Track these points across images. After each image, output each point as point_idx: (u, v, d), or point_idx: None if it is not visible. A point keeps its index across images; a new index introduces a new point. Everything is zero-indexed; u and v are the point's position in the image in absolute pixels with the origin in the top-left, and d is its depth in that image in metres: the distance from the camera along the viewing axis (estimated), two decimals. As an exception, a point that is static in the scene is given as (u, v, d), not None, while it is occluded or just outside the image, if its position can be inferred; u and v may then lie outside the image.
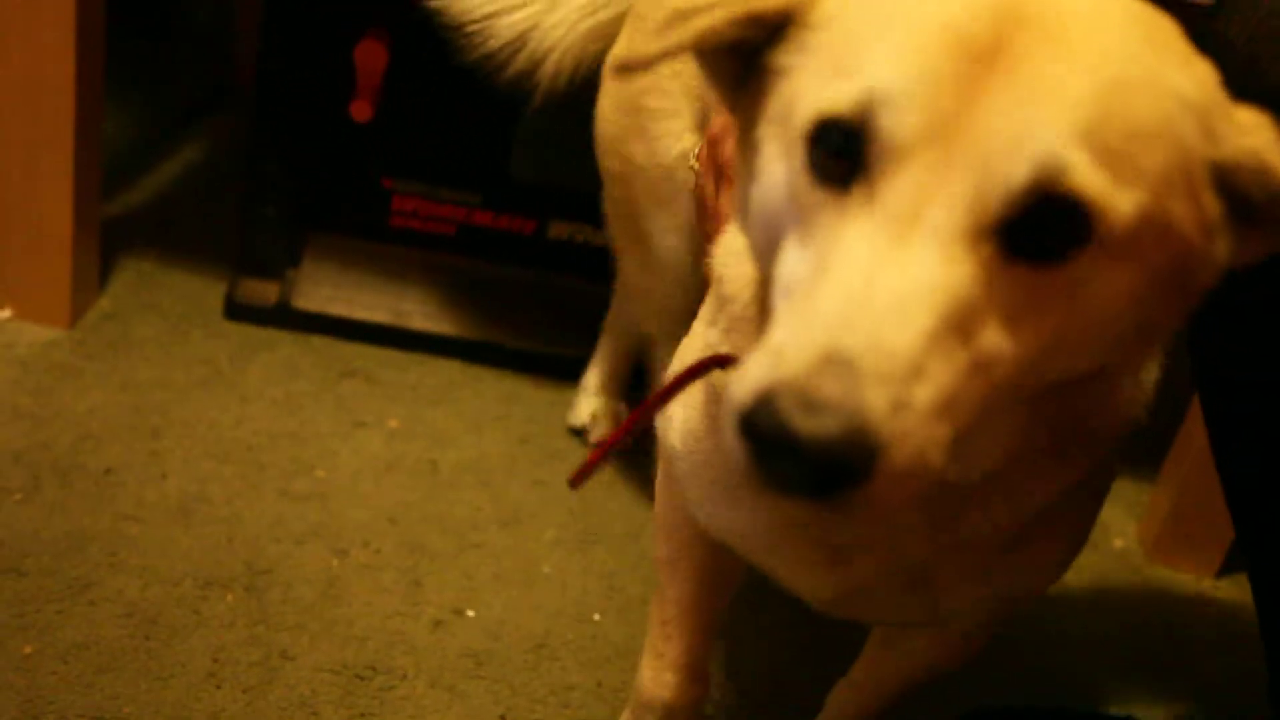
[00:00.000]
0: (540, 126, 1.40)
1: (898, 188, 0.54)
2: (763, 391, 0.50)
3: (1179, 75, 0.58)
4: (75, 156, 1.30)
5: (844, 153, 0.55)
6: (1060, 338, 0.57)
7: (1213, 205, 0.59)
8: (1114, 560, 1.37)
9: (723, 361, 0.74)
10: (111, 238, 1.47)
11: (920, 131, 0.54)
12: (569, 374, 1.43)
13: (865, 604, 0.81)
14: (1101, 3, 0.59)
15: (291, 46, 1.40)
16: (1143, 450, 1.44)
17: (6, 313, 1.37)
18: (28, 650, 1.06)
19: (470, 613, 1.17)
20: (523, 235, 1.49)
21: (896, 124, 0.54)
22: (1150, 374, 0.72)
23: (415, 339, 1.46)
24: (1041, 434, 0.67)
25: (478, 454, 1.35)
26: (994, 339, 0.54)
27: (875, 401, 0.50)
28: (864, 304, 0.52)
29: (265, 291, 1.45)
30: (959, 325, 0.53)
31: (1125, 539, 1.39)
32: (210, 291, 1.47)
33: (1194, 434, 1.30)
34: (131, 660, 1.07)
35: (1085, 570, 1.34)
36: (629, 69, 0.65)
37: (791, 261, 0.57)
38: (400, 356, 1.45)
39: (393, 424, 1.36)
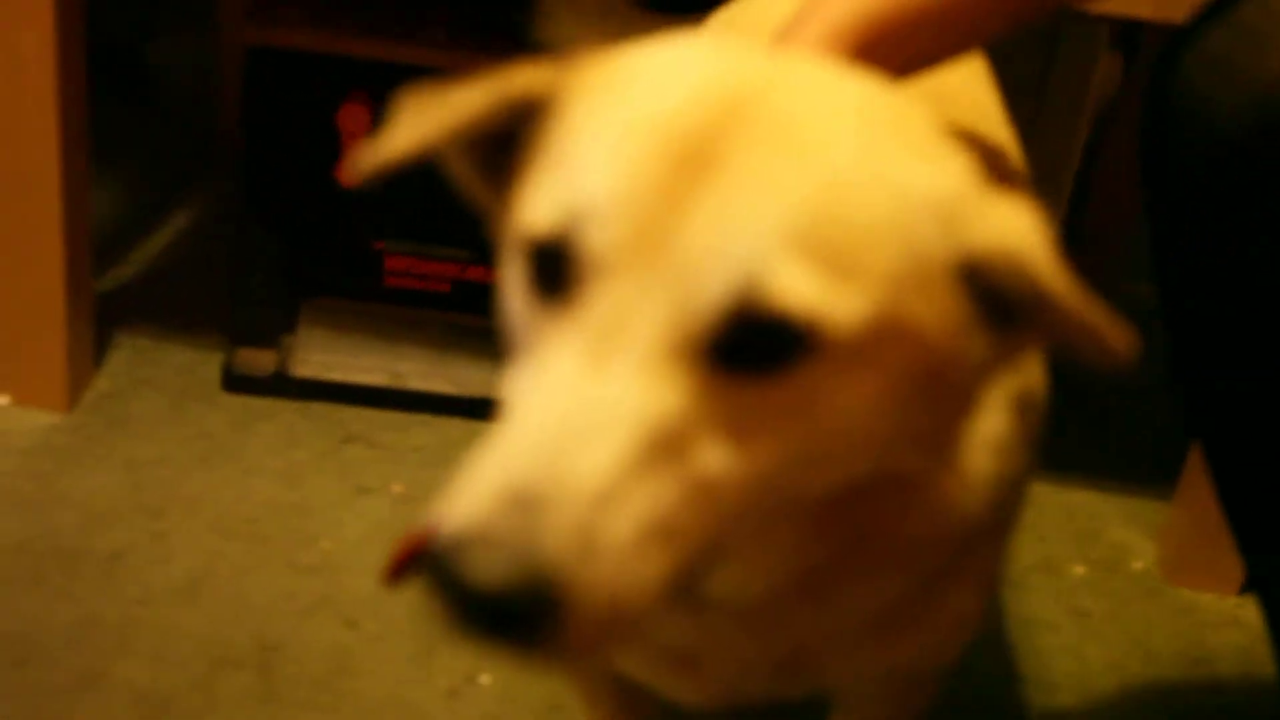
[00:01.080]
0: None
1: (599, 306, 0.51)
2: (440, 537, 0.47)
3: (915, 171, 0.55)
4: (64, 236, 1.30)
5: (555, 269, 0.53)
6: (800, 451, 0.54)
7: (959, 305, 0.56)
8: (1133, 583, 1.35)
9: None
10: (105, 314, 1.47)
11: (620, 244, 0.51)
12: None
13: (742, 696, 0.77)
14: (833, 96, 0.56)
15: (274, 114, 1.40)
16: (1159, 470, 1.44)
17: (4, 399, 1.37)
18: (38, 745, 1.05)
19: (483, 679, 1.16)
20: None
21: (594, 239, 0.51)
22: (982, 466, 0.68)
23: (415, 399, 1.45)
24: (834, 546, 0.63)
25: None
26: (715, 459, 0.51)
27: (556, 540, 0.47)
28: (553, 433, 0.49)
29: (262, 361, 1.45)
30: (668, 449, 0.50)
31: (1144, 560, 1.38)
32: (207, 364, 1.47)
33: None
34: (144, 749, 1.06)
35: (1104, 595, 1.32)
36: (369, 175, 0.62)
37: (511, 387, 0.53)
38: (401, 418, 1.45)
39: (397, 488, 1.35)
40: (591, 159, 0.53)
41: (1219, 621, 1.32)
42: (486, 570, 0.46)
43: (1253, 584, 0.92)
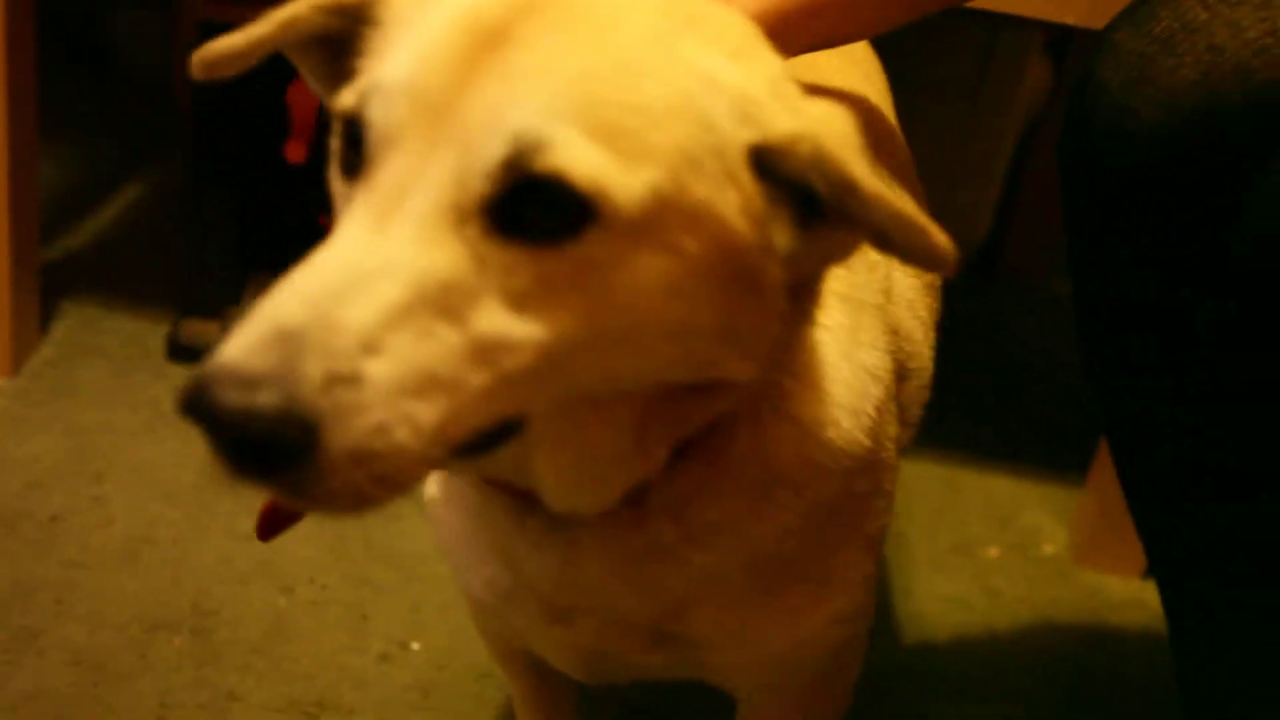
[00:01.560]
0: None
1: (385, 174, 0.54)
2: (203, 373, 0.49)
3: (712, 62, 0.57)
4: (9, 204, 1.32)
5: (355, 146, 0.56)
6: (592, 325, 0.55)
7: (756, 194, 0.57)
8: (1043, 566, 1.41)
9: None
10: (52, 282, 1.48)
11: (408, 118, 0.54)
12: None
13: (623, 667, 0.78)
14: None
15: (225, 90, 1.42)
16: (1072, 459, 1.49)
17: (-52, 363, 1.38)
18: (-25, 702, 1.07)
19: (416, 645, 1.19)
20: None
21: (385, 112, 0.54)
22: (850, 403, 0.70)
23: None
24: (664, 451, 0.63)
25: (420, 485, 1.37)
26: (495, 321, 0.53)
27: (313, 376, 0.49)
28: (325, 284, 0.51)
29: (208, 332, 1.47)
30: (442, 306, 0.52)
31: (1055, 545, 1.44)
32: (153, 334, 1.49)
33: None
34: (80, 708, 1.08)
35: (1017, 576, 1.38)
36: (211, 64, 0.66)
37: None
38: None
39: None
40: (396, 47, 0.56)
41: (1123, 603, 1.37)
42: (240, 400, 0.48)
43: (1152, 568, 0.95)
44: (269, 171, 1.44)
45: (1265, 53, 0.71)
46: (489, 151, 0.52)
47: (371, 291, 0.51)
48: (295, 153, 1.40)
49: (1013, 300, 1.88)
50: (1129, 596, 1.38)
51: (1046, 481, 1.52)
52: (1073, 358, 0.91)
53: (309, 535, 1.28)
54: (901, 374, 0.79)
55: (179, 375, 1.45)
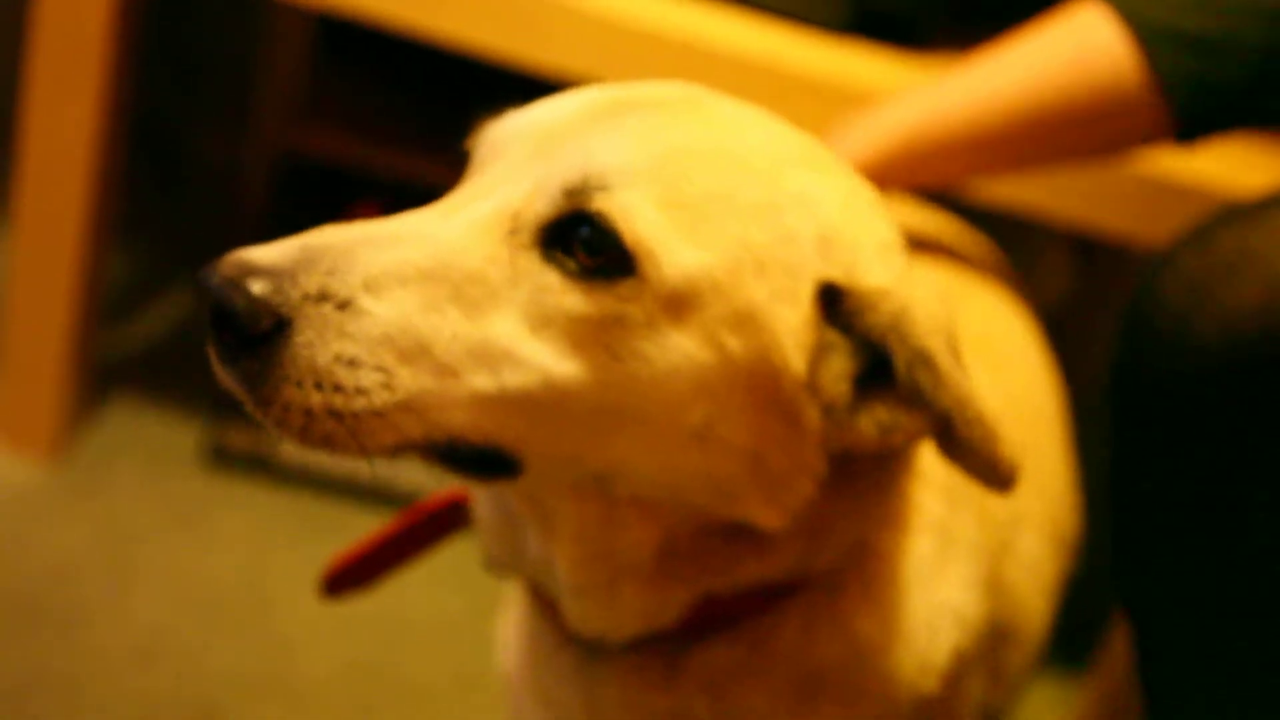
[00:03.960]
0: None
1: (472, 182, 0.59)
2: (227, 257, 0.53)
3: (820, 193, 0.58)
4: (76, 299, 1.36)
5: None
6: (610, 387, 0.54)
7: (814, 323, 0.56)
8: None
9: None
10: (102, 375, 1.52)
11: (515, 142, 0.58)
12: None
13: None
14: (760, 117, 0.61)
15: (290, 204, 1.48)
16: (1072, 650, 1.50)
17: (-8, 444, 1.41)
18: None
19: (418, 775, 1.19)
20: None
21: (496, 136, 0.59)
22: (919, 656, 0.66)
23: (388, 496, 1.51)
24: (688, 596, 0.62)
25: (437, 613, 1.38)
26: (511, 331, 0.55)
27: (307, 282, 0.52)
28: (365, 236, 0.54)
29: (244, 440, 1.50)
30: (463, 292, 0.54)
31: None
32: (192, 435, 1.51)
33: (1120, 641, 1.35)
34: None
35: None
36: None
37: None
38: (372, 511, 1.49)
39: (357, 579, 1.40)
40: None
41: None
42: (235, 278, 0.52)
43: None
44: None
45: None
46: (560, 178, 0.55)
47: (401, 247, 0.54)
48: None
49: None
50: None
51: (1048, 673, 1.52)
52: (1079, 549, 0.93)
53: (325, 653, 1.29)
54: (1002, 633, 0.76)
55: (213, 483, 1.47)
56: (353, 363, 0.53)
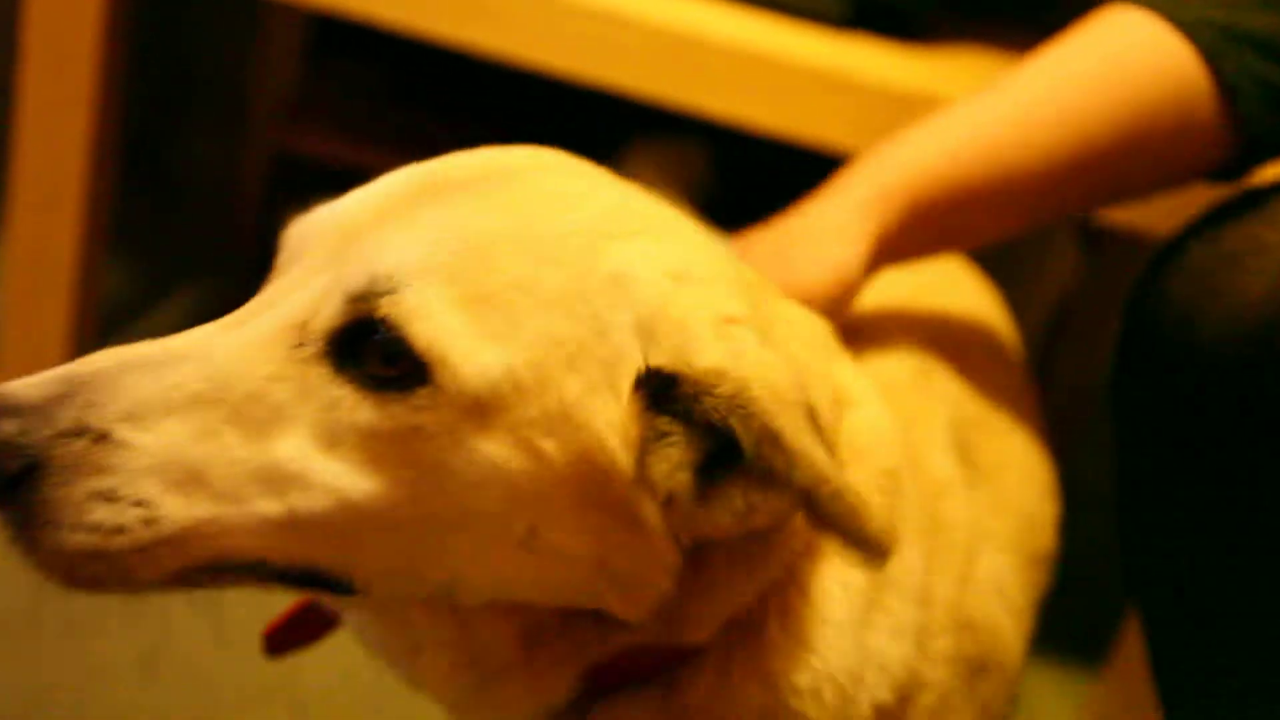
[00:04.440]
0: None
1: (267, 289, 0.55)
2: None
3: (644, 272, 0.53)
4: (72, 314, 1.35)
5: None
6: (418, 503, 0.51)
7: (636, 415, 0.52)
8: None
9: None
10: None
11: (316, 243, 0.54)
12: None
13: None
14: (585, 186, 0.56)
15: (290, 215, 1.47)
16: (1089, 644, 1.49)
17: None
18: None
19: (426, 784, 1.18)
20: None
21: (298, 234, 0.56)
22: (843, 705, 0.61)
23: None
24: (571, 678, 0.58)
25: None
26: (298, 452, 0.51)
27: (63, 417, 0.49)
28: (139, 354, 0.51)
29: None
30: (242, 415, 0.50)
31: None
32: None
33: (1137, 633, 1.34)
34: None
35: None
36: None
37: None
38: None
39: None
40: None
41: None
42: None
43: None
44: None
45: None
46: (345, 283, 0.51)
47: (171, 371, 0.51)
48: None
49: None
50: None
51: (1062, 670, 1.51)
52: (1094, 546, 0.92)
53: (329, 660, 1.28)
54: (982, 670, 0.73)
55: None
56: (110, 497, 0.49)
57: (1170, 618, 0.87)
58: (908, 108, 1.06)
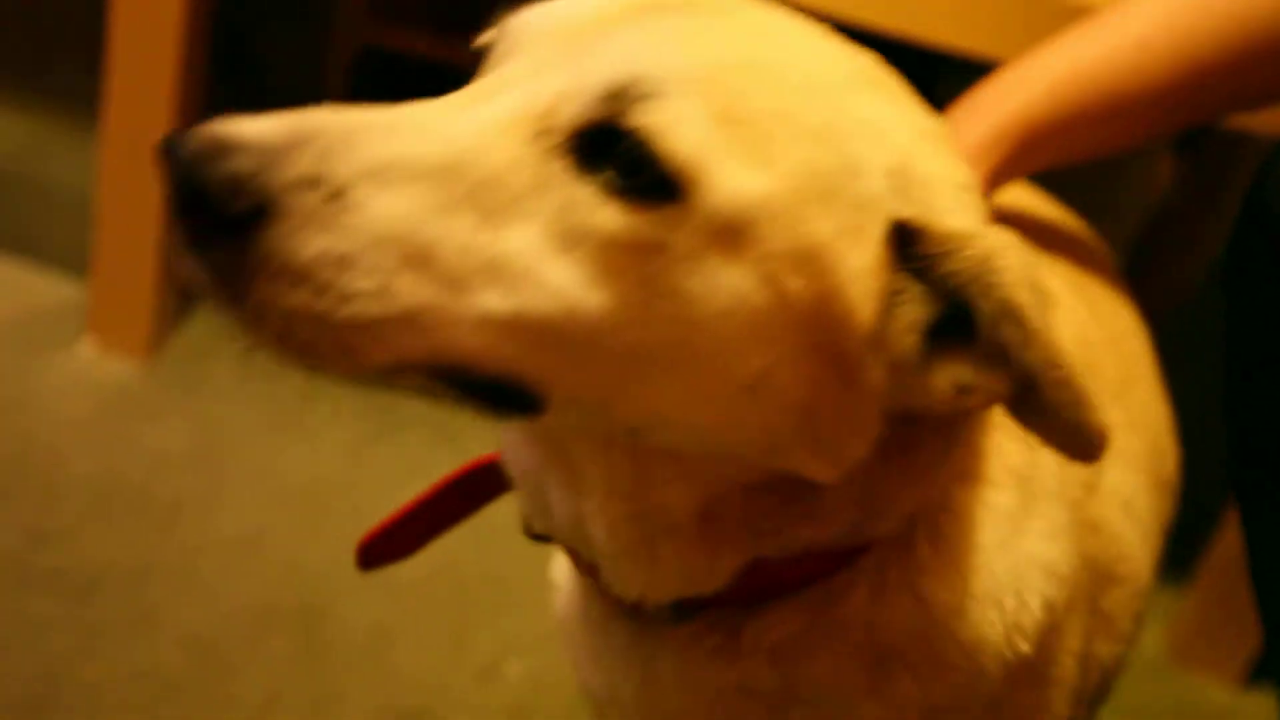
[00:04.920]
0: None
1: (495, 72, 0.51)
2: (207, 126, 0.46)
3: (893, 125, 0.51)
4: (166, 204, 1.37)
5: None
6: (647, 325, 0.47)
7: (885, 268, 0.50)
8: (1140, 668, 1.38)
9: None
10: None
11: (542, 35, 0.51)
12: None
13: None
14: (812, 30, 0.53)
15: (375, 102, 1.47)
16: (1176, 556, 1.47)
17: (89, 344, 1.44)
18: (92, 677, 1.11)
19: (513, 665, 1.21)
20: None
21: (521, 25, 0.52)
22: (1000, 617, 0.60)
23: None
24: (737, 559, 0.56)
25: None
26: (531, 246, 0.47)
27: (298, 165, 0.45)
28: (375, 118, 0.47)
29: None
30: (478, 197, 0.47)
31: (1154, 647, 1.42)
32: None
33: (1229, 541, 1.33)
34: (190, 691, 1.12)
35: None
36: None
37: None
38: (462, 410, 1.50)
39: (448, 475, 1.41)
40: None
41: (1220, 711, 1.35)
42: (207, 151, 0.44)
43: (1269, 663, 0.92)
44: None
45: None
46: (598, 80, 0.48)
47: (410, 137, 0.47)
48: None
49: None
50: (1227, 704, 1.36)
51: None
52: (1182, 459, 0.91)
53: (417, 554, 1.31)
54: (1107, 577, 0.71)
55: (304, 380, 1.49)
56: (343, 262, 0.45)
57: (1274, 511, 0.86)
58: (1050, 16, 1.02)
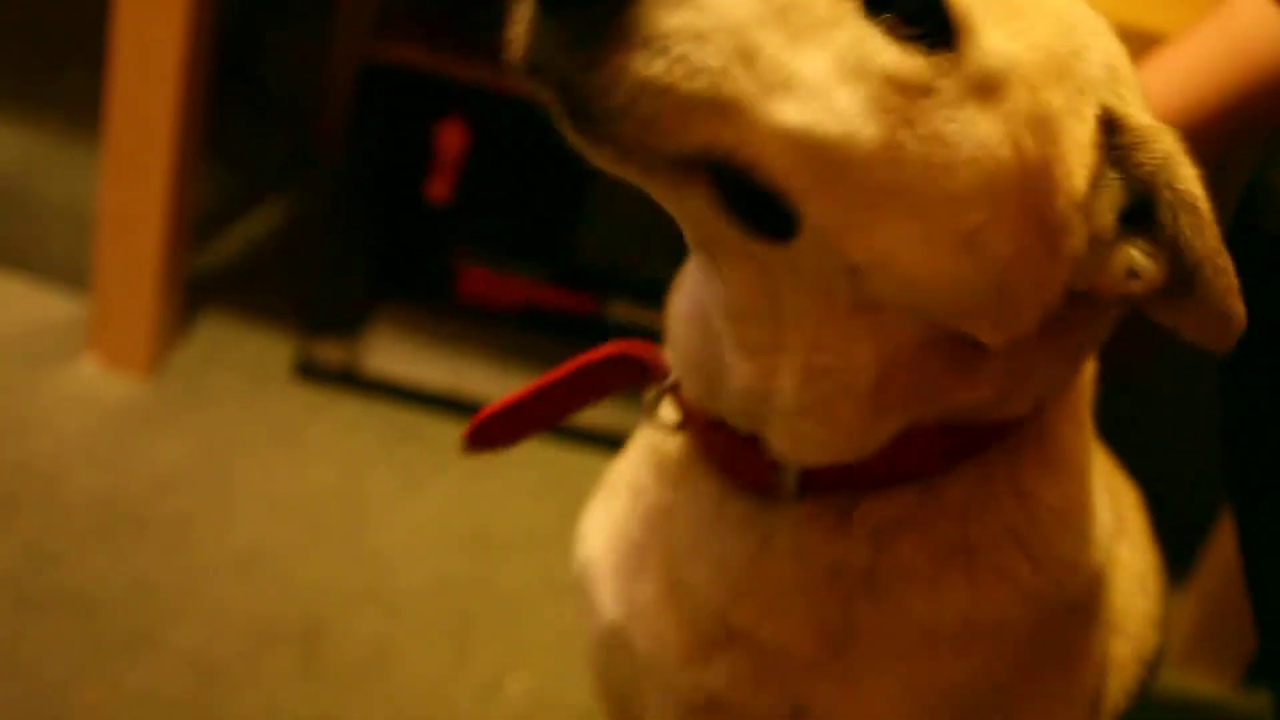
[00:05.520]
0: (610, 206, 1.47)
1: None
2: None
3: (1095, 19, 0.60)
4: (168, 214, 1.37)
5: None
6: (904, 162, 0.54)
7: (1092, 147, 0.58)
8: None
9: (639, 364, 0.71)
10: (194, 293, 1.54)
11: None
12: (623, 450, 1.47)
13: None
14: None
15: (374, 122, 1.47)
16: (1174, 557, 1.47)
17: (91, 361, 1.44)
18: (93, 699, 1.11)
19: (514, 682, 1.22)
20: (584, 314, 1.54)
21: None
22: (1091, 536, 0.68)
23: (476, 407, 1.51)
24: (894, 425, 0.62)
25: (529, 524, 1.39)
26: (825, 70, 0.53)
27: None
28: None
29: (334, 354, 1.52)
30: (784, 14, 0.52)
31: (1156, 649, 1.42)
32: (282, 351, 1.53)
33: (1225, 543, 1.33)
34: (193, 711, 1.12)
35: (1114, 678, 1.36)
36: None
37: None
38: (459, 422, 1.50)
39: (446, 490, 1.41)
40: None
41: (1216, 711, 1.35)
42: None
43: (1265, 664, 0.92)
44: (409, 206, 1.49)
45: None
46: None
47: None
48: (438, 190, 1.45)
49: (1121, 399, 1.86)
50: (1223, 705, 1.36)
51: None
52: (1180, 461, 0.91)
53: (416, 562, 1.31)
54: (1116, 627, 0.77)
55: (303, 393, 1.49)
56: (699, 38, 0.50)
57: (1269, 510, 0.86)
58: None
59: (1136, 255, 0.59)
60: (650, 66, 0.50)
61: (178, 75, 1.30)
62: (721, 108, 0.52)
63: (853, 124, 0.53)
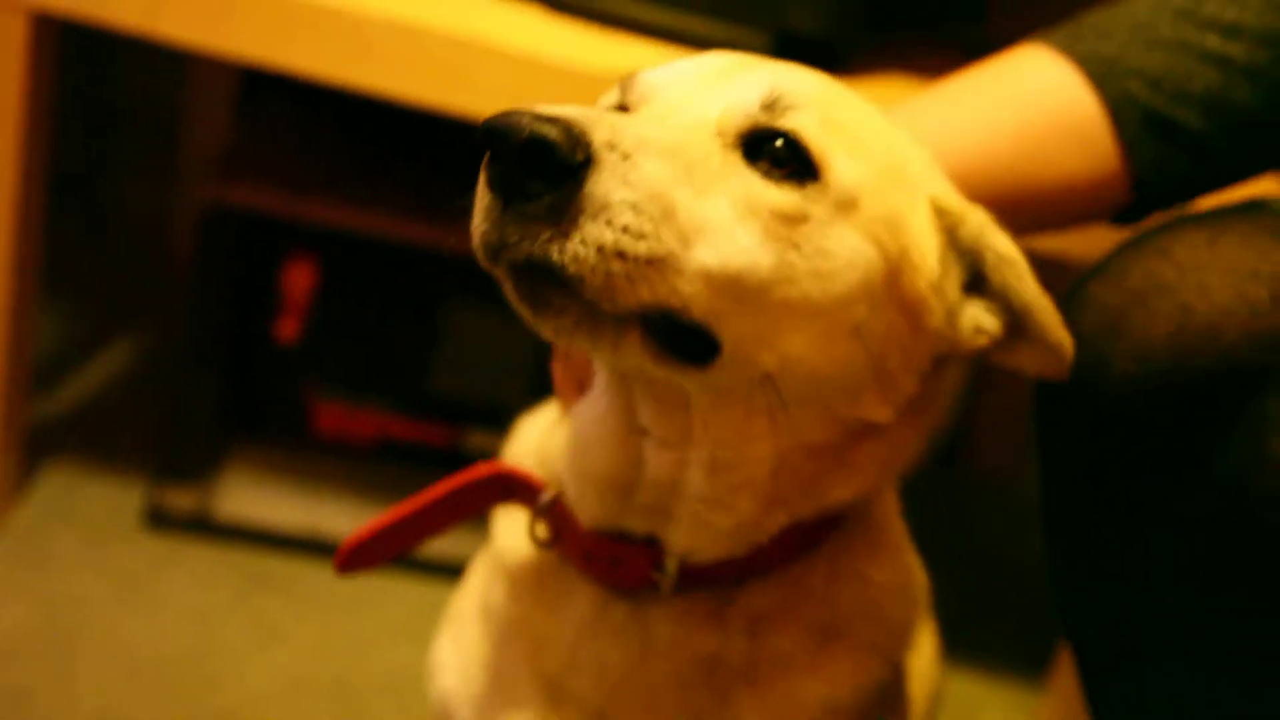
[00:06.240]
0: (461, 338, 1.47)
1: (658, 102, 0.68)
2: (518, 110, 0.58)
3: (914, 143, 0.72)
4: (6, 363, 1.33)
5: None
6: (795, 278, 0.64)
7: (936, 234, 0.69)
8: None
9: (511, 484, 0.77)
10: (34, 443, 1.49)
11: (679, 80, 0.69)
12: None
13: None
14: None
15: (221, 263, 1.46)
16: (1032, 656, 1.51)
17: (-76, 524, 1.38)
18: None
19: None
20: (440, 445, 1.54)
21: (652, 77, 0.69)
22: (909, 597, 0.78)
23: (333, 547, 1.48)
24: (785, 516, 0.71)
25: (392, 668, 1.37)
26: (725, 214, 0.63)
27: (600, 131, 0.59)
28: (617, 119, 0.62)
29: (186, 500, 1.48)
30: (690, 170, 0.62)
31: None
32: (130, 499, 1.49)
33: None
34: None
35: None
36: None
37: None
38: (318, 565, 1.48)
39: (305, 638, 1.38)
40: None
41: None
42: (533, 121, 0.58)
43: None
44: (257, 346, 1.47)
45: (1233, 315, 0.75)
46: (755, 96, 0.66)
47: (649, 126, 0.63)
48: (287, 329, 1.44)
49: (975, 498, 1.91)
50: None
51: (1007, 682, 1.53)
52: (1035, 558, 0.93)
53: (274, 717, 1.27)
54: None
55: (154, 546, 1.45)
56: (635, 208, 0.59)
57: (1099, 644, 0.89)
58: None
59: (980, 314, 0.71)
60: (604, 235, 0.59)
61: (11, 212, 1.26)
62: (658, 263, 0.61)
63: (753, 254, 0.63)
